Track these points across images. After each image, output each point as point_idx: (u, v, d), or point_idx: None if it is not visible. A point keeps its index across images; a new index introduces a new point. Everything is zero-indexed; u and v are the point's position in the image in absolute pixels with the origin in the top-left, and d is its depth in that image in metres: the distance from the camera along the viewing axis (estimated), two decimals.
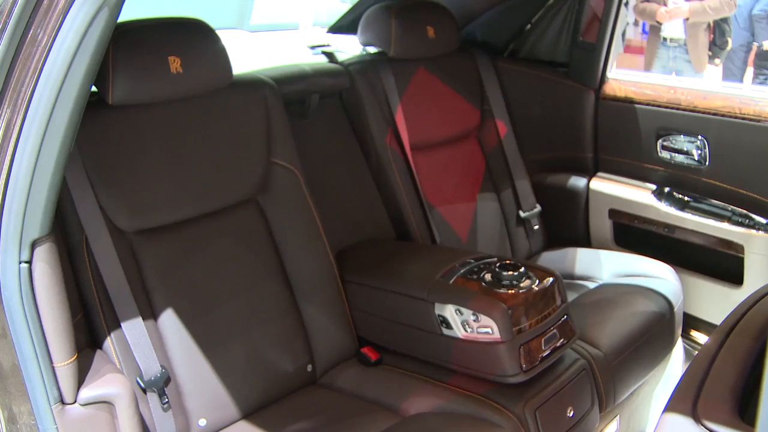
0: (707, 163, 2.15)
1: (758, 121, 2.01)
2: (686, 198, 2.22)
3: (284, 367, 1.70)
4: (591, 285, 2.19)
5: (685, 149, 2.19)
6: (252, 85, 1.76)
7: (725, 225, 2.11)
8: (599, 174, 2.41)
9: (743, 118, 2.04)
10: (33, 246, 1.16)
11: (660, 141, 2.25)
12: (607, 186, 2.37)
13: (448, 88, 2.31)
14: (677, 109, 2.18)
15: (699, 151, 2.16)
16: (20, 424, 1.24)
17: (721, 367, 0.92)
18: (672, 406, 0.86)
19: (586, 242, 2.45)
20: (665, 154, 2.24)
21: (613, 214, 2.36)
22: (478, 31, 2.53)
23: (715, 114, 2.10)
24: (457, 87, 2.33)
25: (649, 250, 2.28)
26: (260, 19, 4.08)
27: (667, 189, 2.26)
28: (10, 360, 1.21)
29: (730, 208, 2.12)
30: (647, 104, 2.25)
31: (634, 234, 2.35)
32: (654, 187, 2.29)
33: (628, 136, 2.31)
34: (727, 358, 0.93)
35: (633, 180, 2.34)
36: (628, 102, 2.29)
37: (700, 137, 2.15)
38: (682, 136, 2.19)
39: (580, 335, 1.75)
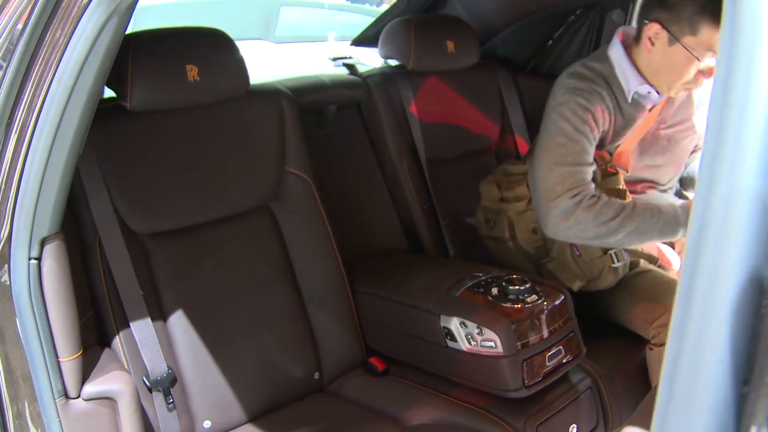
0: None
1: None
2: None
3: (291, 373, 1.72)
4: None
5: None
6: (268, 94, 1.78)
7: None
8: None
9: None
10: (42, 243, 1.20)
11: None
12: None
13: (466, 102, 2.31)
14: None
15: None
16: (26, 417, 1.27)
17: None
18: (634, 419, 0.85)
19: None
20: None
21: None
22: (500, 47, 2.53)
23: None
24: (476, 101, 2.33)
25: None
26: (285, 30, 4.15)
27: None
28: (19, 354, 1.25)
29: None
30: None
31: None
32: None
33: None
34: None
35: None
36: None
37: None
38: None
39: (586, 353, 1.74)
